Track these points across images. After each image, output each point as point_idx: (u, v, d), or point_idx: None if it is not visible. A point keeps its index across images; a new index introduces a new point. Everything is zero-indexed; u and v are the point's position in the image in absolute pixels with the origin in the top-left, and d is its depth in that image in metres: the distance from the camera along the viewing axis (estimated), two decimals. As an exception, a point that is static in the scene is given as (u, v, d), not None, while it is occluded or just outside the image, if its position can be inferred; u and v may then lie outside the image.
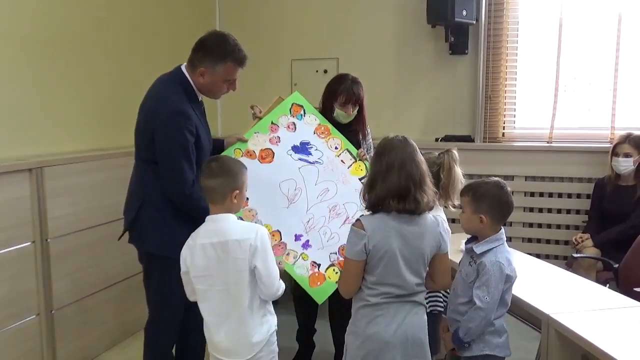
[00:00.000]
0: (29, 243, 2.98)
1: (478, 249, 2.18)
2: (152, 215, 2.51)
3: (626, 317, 2.22)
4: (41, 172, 2.99)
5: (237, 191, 2.23)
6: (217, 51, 2.48)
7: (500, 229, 2.23)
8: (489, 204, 2.18)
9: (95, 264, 3.38)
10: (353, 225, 2.09)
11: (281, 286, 2.24)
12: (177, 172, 2.42)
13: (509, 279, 2.16)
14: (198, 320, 2.77)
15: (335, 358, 3.19)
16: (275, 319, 2.30)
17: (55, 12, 3.32)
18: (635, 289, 2.38)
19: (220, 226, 2.20)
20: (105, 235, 3.32)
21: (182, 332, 2.70)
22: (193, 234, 2.26)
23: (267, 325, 2.24)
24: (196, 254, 2.20)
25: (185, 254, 2.24)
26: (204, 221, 2.57)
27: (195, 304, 2.73)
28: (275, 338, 2.29)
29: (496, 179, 2.26)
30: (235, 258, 2.15)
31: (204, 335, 2.83)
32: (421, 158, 2.10)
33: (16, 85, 3.11)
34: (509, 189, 2.23)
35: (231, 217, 2.22)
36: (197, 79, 2.51)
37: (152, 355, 2.68)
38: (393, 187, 2.02)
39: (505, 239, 2.23)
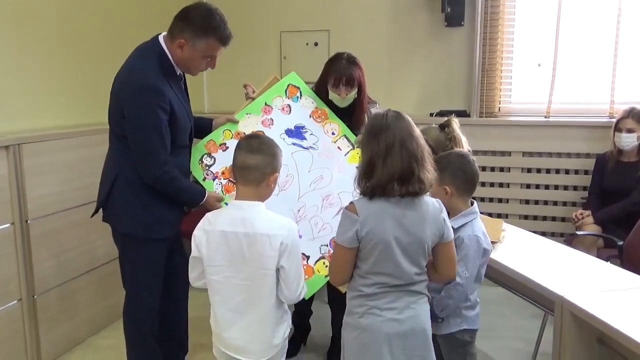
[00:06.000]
0: (7, 225, 2.85)
1: (454, 223, 2.09)
2: (126, 193, 2.38)
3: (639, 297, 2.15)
4: (19, 150, 2.85)
5: (277, 174, 2.06)
6: (201, 25, 2.30)
7: (473, 203, 2.21)
8: (451, 174, 2.16)
9: (78, 245, 3.26)
10: (346, 208, 1.91)
11: (304, 290, 2.08)
12: (148, 152, 2.28)
13: (485, 253, 2.16)
14: (180, 308, 2.68)
15: (332, 341, 3.10)
16: (290, 315, 2.16)
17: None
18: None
19: (248, 215, 1.98)
20: (88, 216, 3.14)
21: (164, 321, 2.59)
22: (210, 217, 2.05)
23: (284, 324, 2.10)
24: (214, 241, 2.00)
25: (199, 237, 2.03)
26: (182, 199, 2.44)
27: (176, 289, 2.63)
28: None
29: (461, 149, 2.24)
30: (262, 254, 1.97)
31: (187, 324, 2.74)
32: (418, 132, 1.93)
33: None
34: (473, 158, 2.21)
35: (261, 207, 2.02)
36: (175, 51, 2.34)
37: (133, 340, 2.57)
38: (396, 169, 1.82)
39: (478, 212, 2.21)
